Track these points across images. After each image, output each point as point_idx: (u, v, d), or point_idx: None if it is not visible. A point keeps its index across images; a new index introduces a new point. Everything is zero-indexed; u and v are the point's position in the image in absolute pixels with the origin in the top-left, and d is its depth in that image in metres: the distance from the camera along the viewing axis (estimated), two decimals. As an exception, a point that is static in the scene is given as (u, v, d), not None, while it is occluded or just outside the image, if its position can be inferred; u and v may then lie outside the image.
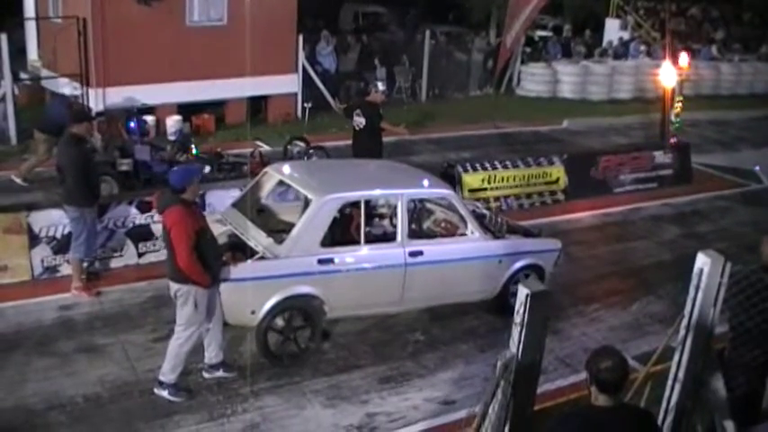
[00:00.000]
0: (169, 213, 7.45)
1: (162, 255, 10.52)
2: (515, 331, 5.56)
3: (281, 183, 9.70)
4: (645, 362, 7.35)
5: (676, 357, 6.05)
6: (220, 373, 8.10)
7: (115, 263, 10.60)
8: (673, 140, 16.69)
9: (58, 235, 10.08)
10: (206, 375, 8.10)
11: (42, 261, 10.10)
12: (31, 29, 19.38)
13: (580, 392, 6.94)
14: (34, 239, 10.02)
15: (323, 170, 10.36)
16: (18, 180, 13.43)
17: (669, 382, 6.15)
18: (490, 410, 5.74)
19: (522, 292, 5.47)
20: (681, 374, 6.01)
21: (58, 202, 9.96)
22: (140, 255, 10.72)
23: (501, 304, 9.48)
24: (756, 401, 6.59)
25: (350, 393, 8.09)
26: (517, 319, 5.51)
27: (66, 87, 15.96)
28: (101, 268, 10.44)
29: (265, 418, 7.57)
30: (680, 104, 16.83)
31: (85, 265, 10.03)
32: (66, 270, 10.07)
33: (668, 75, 16.79)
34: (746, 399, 6.53)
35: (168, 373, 7.75)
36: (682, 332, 5.96)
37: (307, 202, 8.86)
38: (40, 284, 9.98)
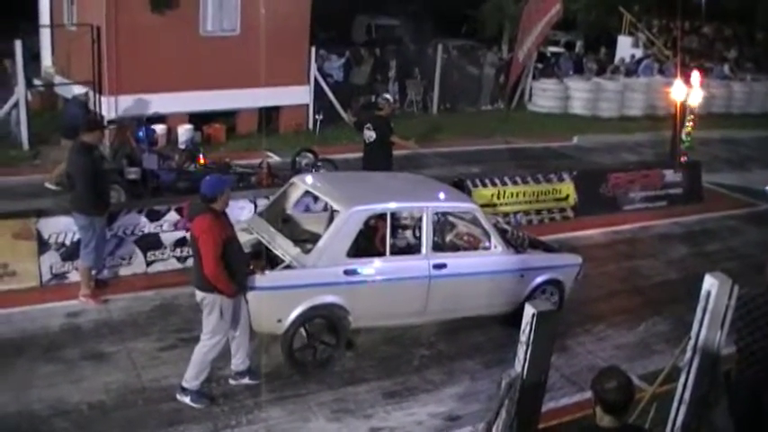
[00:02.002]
0: (198, 222, 7.51)
1: (170, 264, 10.77)
2: (521, 350, 5.56)
3: (307, 193, 9.84)
4: (651, 382, 7.33)
5: (682, 379, 6.05)
6: (247, 380, 8.15)
7: (123, 271, 10.61)
8: (683, 159, 16.66)
9: (67, 242, 10.11)
10: (232, 382, 8.14)
11: (51, 267, 10.13)
12: (45, 35, 19.56)
13: (585, 411, 6.92)
14: (43, 245, 10.04)
15: (349, 182, 10.44)
16: (52, 186, 13.49)
17: (675, 404, 6.14)
18: (494, 429, 5.73)
19: (529, 311, 5.47)
20: (686, 396, 6.01)
21: (68, 208, 9.98)
22: (148, 263, 10.73)
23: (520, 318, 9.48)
24: (763, 424, 6.56)
25: (355, 407, 8.07)
26: (523, 338, 5.51)
27: (75, 91, 16.03)
28: (109, 276, 10.46)
29: (270, 430, 7.56)
30: (691, 123, 16.81)
31: (93, 272, 10.06)
32: (74, 277, 10.10)
33: (680, 92, 16.77)
34: (753, 421, 6.50)
35: (192, 379, 7.77)
36: (688, 353, 5.95)
37: (333, 213, 9.01)
38: (48, 291, 9.99)
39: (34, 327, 9.11)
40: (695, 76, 16.64)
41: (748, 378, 6.40)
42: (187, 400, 7.77)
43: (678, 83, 16.96)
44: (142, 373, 8.31)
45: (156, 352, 8.76)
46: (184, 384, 7.79)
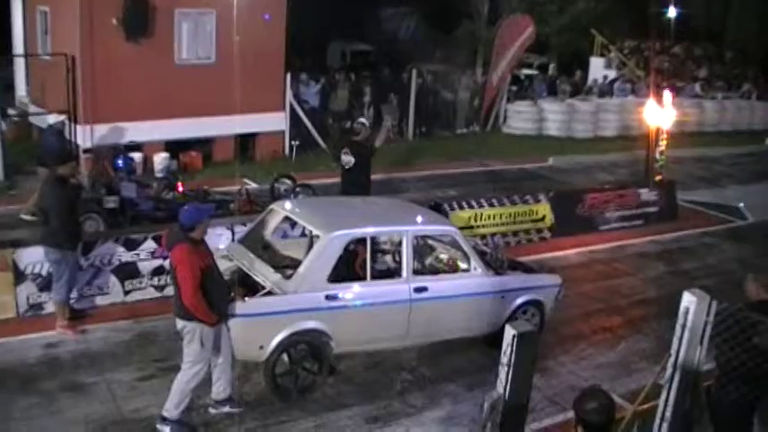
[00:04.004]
0: (176, 251, 7.47)
1: (148, 293, 10.70)
2: (502, 372, 5.56)
3: (286, 219, 9.83)
4: (632, 400, 7.35)
5: (663, 396, 6.06)
6: (227, 409, 8.06)
7: (101, 300, 10.52)
8: (658, 177, 16.81)
9: (44, 272, 9.99)
10: (212, 411, 8.05)
11: (28, 298, 10.03)
12: (20, 65, 19.48)
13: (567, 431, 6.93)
14: (20, 276, 9.95)
15: (329, 207, 10.46)
16: (27, 217, 13.32)
17: (657, 421, 6.14)
18: (478, 451, 5.73)
19: (509, 332, 5.48)
20: (668, 413, 6.01)
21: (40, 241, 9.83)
22: (126, 293, 10.65)
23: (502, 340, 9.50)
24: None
25: (337, 433, 8.03)
26: (504, 359, 5.52)
27: (51, 119, 15.92)
28: (87, 306, 10.36)
29: (251, 459, 7.51)
30: (665, 142, 16.98)
31: (72, 300, 9.96)
32: (51, 308, 9.97)
33: (653, 112, 16.95)
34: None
35: (172, 409, 7.68)
36: (669, 370, 5.97)
37: (313, 239, 9.00)
38: (25, 322, 9.89)
39: (12, 358, 9.00)
40: (667, 95, 16.81)
41: (730, 394, 6.43)
42: (167, 430, 7.67)
43: (651, 103, 17.15)
44: (122, 403, 8.22)
45: (135, 382, 8.67)
46: (164, 414, 7.70)
